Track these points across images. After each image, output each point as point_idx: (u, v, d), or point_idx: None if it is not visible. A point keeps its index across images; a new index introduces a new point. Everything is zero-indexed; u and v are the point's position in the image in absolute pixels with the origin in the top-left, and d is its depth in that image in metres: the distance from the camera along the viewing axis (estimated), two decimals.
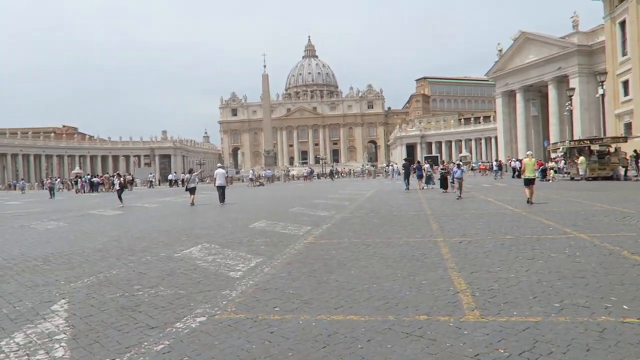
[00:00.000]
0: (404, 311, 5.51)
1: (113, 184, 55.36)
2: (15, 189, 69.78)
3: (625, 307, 5.34)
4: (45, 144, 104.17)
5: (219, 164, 33.27)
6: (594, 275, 6.83)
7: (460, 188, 22.28)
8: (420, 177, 32.61)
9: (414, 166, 35.43)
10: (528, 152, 21.00)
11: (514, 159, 53.41)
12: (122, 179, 28.89)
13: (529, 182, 18.44)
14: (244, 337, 4.86)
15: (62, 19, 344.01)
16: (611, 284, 6.30)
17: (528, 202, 18.00)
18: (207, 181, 70.85)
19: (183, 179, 71.91)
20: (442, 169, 30.37)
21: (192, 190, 25.11)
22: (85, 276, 8.02)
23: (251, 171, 68.92)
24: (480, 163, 75.11)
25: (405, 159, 39.02)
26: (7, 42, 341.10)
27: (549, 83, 63.00)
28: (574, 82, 57.16)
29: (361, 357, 4.25)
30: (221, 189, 25.67)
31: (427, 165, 35.34)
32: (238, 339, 4.82)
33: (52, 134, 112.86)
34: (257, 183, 59.58)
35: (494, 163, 52.47)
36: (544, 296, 5.87)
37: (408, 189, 30.52)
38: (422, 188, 30.77)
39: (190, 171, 29.35)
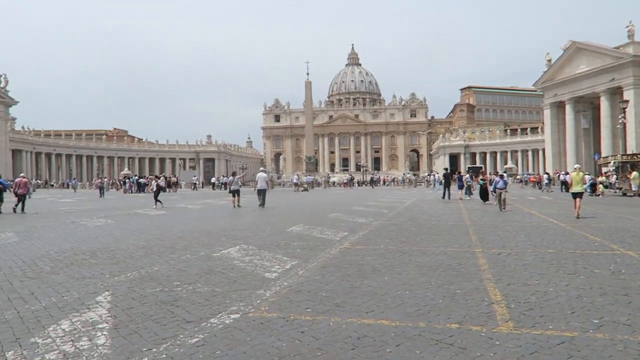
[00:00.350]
0: (436, 319, 5.48)
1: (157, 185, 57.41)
2: (68, 188, 73.30)
3: None
4: (97, 146, 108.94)
5: (261, 168, 33.95)
6: (638, 293, 6.55)
7: (502, 200, 21.41)
8: (460, 187, 32.46)
9: (455, 176, 35.09)
10: (576, 166, 20.55)
11: (562, 172, 51.51)
12: (159, 181, 28.70)
13: (577, 196, 18.18)
14: (275, 335, 4.97)
15: (116, 25, 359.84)
16: None
17: (577, 216, 17.64)
18: (250, 185, 72.04)
19: (225, 182, 73.89)
20: (481, 180, 28.89)
21: (235, 193, 25.71)
22: (129, 271, 8.38)
23: (296, 176, 69.33)
24: (531, 175, 72.38)
25: (445, 169, 38.84)
26: (64, 47, 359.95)
27: (601, 94, 60.52)
28: (628, 94, 54.66)
29: None
30: (262, 193, 25.91)
31: (467, 176, 34.75)
32: (269, 336, 4.93)
33: (104, 136, 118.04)
34: (302, 188, 59.79)
35: (545, 175, 50.68)
36: (582, 312, 5.69)
37: (449, 198, 30.47)
38: (461, 198, 30.56)
39: (234, 174, 29.91)
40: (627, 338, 4.79)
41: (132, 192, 54.78)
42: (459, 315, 5.58)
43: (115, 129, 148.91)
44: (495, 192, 22.59)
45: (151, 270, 8.45)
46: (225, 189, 69.66)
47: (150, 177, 65.30)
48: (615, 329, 5.06)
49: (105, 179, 64.44)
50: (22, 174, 27.60)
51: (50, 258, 9.74)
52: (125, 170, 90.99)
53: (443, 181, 33.91)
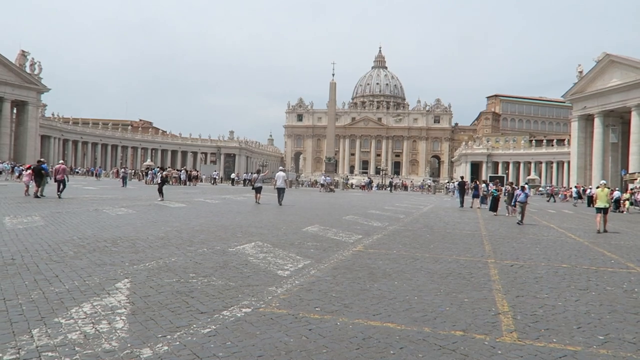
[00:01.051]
0: (441, 325, 5.60)
1: (178, 178, 58.45)
2: (92, 175, 74.91)
3: None
4: (123, 136, 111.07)
5: (280, 167, 34.63)
6: None
7: (522, 213, 20.56)
8: (475, 196, 32.73)
9: (472, 185, 35.19)
10: (602, 182, 20.50)
11: (589, 188, 50.63)
12: (164, 173, 28.61)
13: (601, 212, 18.36)
14: (283, 330, 5.16)
15: (145, 19, 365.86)
16: None
17: (598, 232, 17.93)
18: (269, 182, 72.71)
19: (245, 179, 74.97)
20: (494, 190, 27.32)
21: (258, 190, 26.45)
22: (147, 260, 8.68)
23: (323, 177, 69.66)
24: (563, 188, 70.26)
25: (461, 177, 39.30)
26: (96, 38, 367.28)
27: (633, 109, 59.19)
28: None
29: None
30: (281, 191, 26.52)
31: (483, 185, 34.52)
32: (278, 331, 5.12)
33: (130, 127, 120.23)
34: (329, 189, 59.95)
35: (574, 189, 49.96)
36: (589, 327, 5.74)
37: (462, 207, 31.24)
38: (472, 207, 31.54)
39: (258, 171, 30.48)
40: (631, 355, 4.84)
41: (153, 184, 55.75)
42: (464, 323, 5.68)
43: (140, 120, 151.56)
44: (515, 205, 21.59)
45: (169, 261, 8.74)
46: (245, 185, 71.08)
47: (168, 169, 66.38)
48: (619, 346, 5.11)
49: (128, 169, 65.68)
50: (60, 161, 28.94)
51: (73, 243, 10.13)
52: (148, 162, 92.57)
53: (458, 189, 34.48)
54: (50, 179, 27.71)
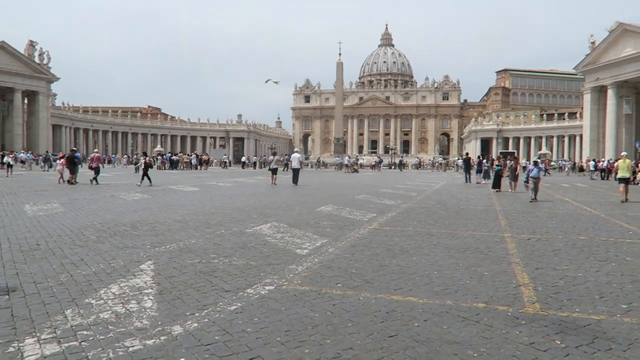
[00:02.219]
0: (463, 298, 5.65)
1: (190, 162, 58.85)
2: (105, 162, 75.58)
3: None
4: (132, 123, 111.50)
5: (295, 149, 35.97)
6: None
7: (535, 189, 19.19)
8: (479, 171, 33.49)
9: (476, 161, 35.82)
10: (623, 153, 21.53)
11: (601, 161, 50.19)
12: (147, 158, 28.67)
13: (623, 181, 19.56)
14: (308, 306, 5.25)
15: (151, 8, 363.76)
16: None
17: (622, 201, 19.09)
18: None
19: (255, 162, 75.62)
20: (497, 166, 26.05)
21: (274, 171, 28.22)
22: (168, 243, 8.82)
23: (347, 157, 70.27)
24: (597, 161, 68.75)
25: (466, 153, 40.02)
26: (104, 27, 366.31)
27: None
28: None
29: (417, 333, 4.49)
30: (296, 172, 28.07)
31: (484, 161, 34.72)
32: (302, 307, 5.21)
33: (139, 114, 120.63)
34: (352, 169, 60.07)
35: (591, 163, 49.61)
36: (611, 297, 5.76)
37: (468, 182, 32.79)
38: (479, 182, 32.12)
39: (274, 154, 31.82)
40: None
41: (165, 169, 56.16)
42: (485, 296, 5.74)
43: (149, 106, 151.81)
44: (528, 181, 19.80)
45: (189, 243, 8.87)
46: (255, 168, 71.58)
47: (179, 154, 66.65)
48: None
49: (141, 156, 66.11)
50: (95, 150, 31.19)
51: (94, 228, 10.30)
52: (159, 147, 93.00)
53: (463, 166, 35.96)
54: (82, 167, 29.04)
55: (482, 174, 32.56)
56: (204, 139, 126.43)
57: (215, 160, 79.29)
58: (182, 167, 57.71)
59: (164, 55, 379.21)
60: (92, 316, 4.77)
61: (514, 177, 24.41)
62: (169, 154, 65.45)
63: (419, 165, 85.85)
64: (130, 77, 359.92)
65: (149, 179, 25.47)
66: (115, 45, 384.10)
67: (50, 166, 44.69)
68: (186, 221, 11.74)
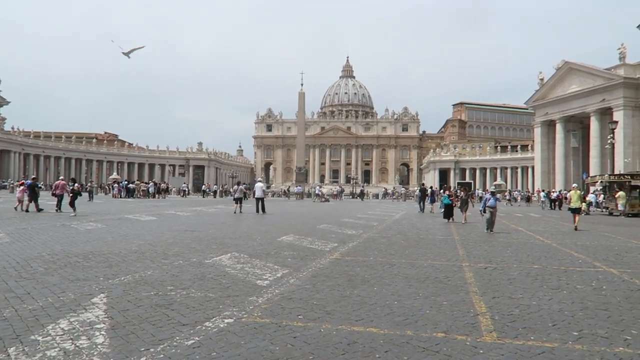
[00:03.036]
0: (423, 327, 5.69)
1: (147, 190, 57.36)
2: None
3: None
4: (87, 149, 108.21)
5: (258, 179, 37.09)
6: (617, 308, 6.82)
7: (492, 220, 18.46)
8: (432, 201, 35.42)
9: (428, 192, 37.48)
10: (574, 185, 23.30)
11: (554, 190, 52.68)
12: (75, 185, 28.42)
13: (575, 211, 21.09)
14: (268, 339, 5.15)
15: (109, 32, 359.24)
16: (634, 318, 6.30)
17: (575, 229, 20.34)
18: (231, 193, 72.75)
19: (215, 190, 74.72)
20: (446, 196, 25.29)
21: (238, 200, 28.55)
22: (122, 274, 8.49)
23: (317, 187, 71.49)
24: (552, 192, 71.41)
25: (422, 184, 41.61)
26: (57, 50, 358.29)
27: (592, 115, 61.65)
28: (617, 115, 55.73)
29: None
30: (260, 201, 28.85)
31: (441, 191, 36.08)
32: (262, 340, 5.10)
33: (94, 140, 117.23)
34: (323, 199, 61.39)
35: (542, 193, 51.87)
36: (563, 324, 5.94)
37: (422, 212, 33.76)
38: (432, 211, 33.17)
39: (239, 183, 32.48)
40: (604, 350, 5.03)
41: (121, 197, 54.52)
42: (445, 325, 5.80)
43: (106, 132, 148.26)
44: (484, 211, 19.04)
45: (144, 274, 8.57)
46: (215, 196, 70.57)
47: (136, 182, 64.96)
48: (593, 341, 5.30)
49: (93, 184, 64.08)
50: (61, 177, 31.78)
51: (43, 260, 9.82)
52: (114, 175, 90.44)
53: (419, 195, 37.63)
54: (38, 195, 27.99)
55: (436, 203, 33.83)
56: (162, 166, 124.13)
57: (174, 189, 77.73)
58: (139, 196, 56.23)
59: (122, 81, 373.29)
60: (38, 354, 4.49)
61: (465, 208, 24.29)
62: (126, 182, 63.71)
63: (385, 195, 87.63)
64: (86, 102, 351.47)
65: (73, 207, 24.03)
66: (70, 70, 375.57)
67: None
68: (142, 252, 11.37)
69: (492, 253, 12.64)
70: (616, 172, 46.37)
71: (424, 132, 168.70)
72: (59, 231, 15.72)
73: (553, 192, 51.90)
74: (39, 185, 27.12)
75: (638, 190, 35.89)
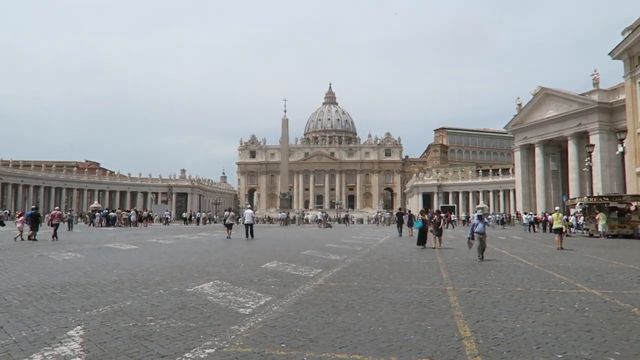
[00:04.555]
0: (407, 353, 5.62)
1: (128, 219, 56.46)
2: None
3: None
4: (67, 178, 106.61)
5: (248, 205, 39.90)
6: (600, 329, 6.84)
7: (482, 247, 16.86)
8: (410, 225, 35.76)
9: (406, 215, 38.02)
10: (556, 208, 25.52)
11: (530, 214, 53.34)
12: (36, 210, 29.66)
13: (558, 231, 22.78)
14: None
15: (90, 60, 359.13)
16: (617, 339, 6.32)
17: (558, 249, 21.76)
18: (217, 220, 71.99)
19: (199, 218, 73.99)
20: (419, 221, 23.62)
21: (229, 226, 30.50)
22: (100, 305, 8.27)
23: (319, 213, 72.83)
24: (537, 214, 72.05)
25: (399, 209, 42.64)
26: (38, 78, 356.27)
27: (569, 138, 63.06)
28: (594, 139, 57.11)
29: None
30: (249, 227, 30.34)
31: (418, 215, 36.58)
32: None
33: (75, 169, 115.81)
34: (325, 225, 61.65)
35: (526, 216, 52.47)
36: (547, 347, 5.93)
37: (401, 235, 34.13)
38: (411, 235, 32.85)
39: (229, 210, 34.59)
40: None
41: (101, 226, 53.57)
42: (429, 351, 5.74)
43: (87, 161, 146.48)
44: (472, 238, 17.15)
45: (123, 305, 8.36)
46: (198, 224, 69.85)
47: (118, 211, 64.03)
48: None
49: (72, 213, 62.96)
50: (56, 207, 34.33)
51: (18, 292, 9.52)
52: (95, 204, 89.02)
53: (397, 220, 38.40)
54: (41, 225, 30.48)
55: (413, 227, 33.97)
56: (145, 194, 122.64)
57: (157, 216, 76.69)
58: (120, 224, 55.33)
59: (103, 109, 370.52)
60: None
61: (439, 232, 22.87)
62: (106, 210, 62.70)
63: (376, 219, 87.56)
64: (67, 131, 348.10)
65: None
66: (50, 99, 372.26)
67: None
68: (122, 281, 11.11)
69: (475, 276, 12.65)
70: (595, 194, 47.22)
71: (406, 156, 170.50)
72: (35, 262, 15.32)
73: (530, 214, 52.73)
74: (40, 215, 28.77)
75: (617, 212, 36.56)
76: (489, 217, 69.20)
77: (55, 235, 26.80)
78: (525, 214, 55.58)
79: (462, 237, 32.56)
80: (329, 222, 65.63)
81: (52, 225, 27.74)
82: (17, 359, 5.24)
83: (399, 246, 24.22)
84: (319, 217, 66.21)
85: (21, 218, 27.99)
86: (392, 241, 28.71)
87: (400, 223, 36.63)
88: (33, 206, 34.19)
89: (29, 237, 25.65)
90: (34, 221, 26.83)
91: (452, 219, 66.15)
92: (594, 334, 6.61)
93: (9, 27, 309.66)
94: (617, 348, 5.89)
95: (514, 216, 73.16)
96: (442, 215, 25.94)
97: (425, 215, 24.53)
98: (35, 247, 21.25)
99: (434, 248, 21.76)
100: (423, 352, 5.66)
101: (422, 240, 22.81)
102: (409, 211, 42.22)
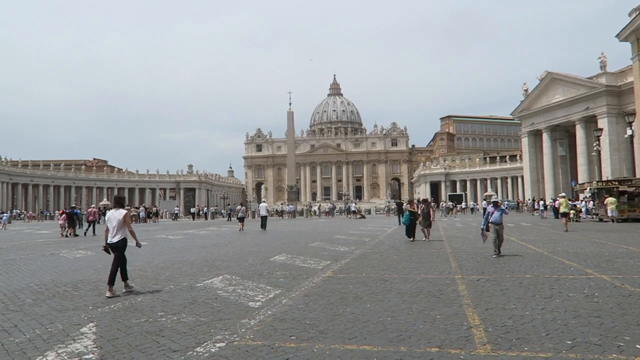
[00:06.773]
0: (417, 343, 5.65)
1: (137, 215, 56.82)
2: (46, 218, 71.87)
3: (638, 346, 5.37)
4: (76, 176, 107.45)
5: (263, 199, 43.10)
6: (610, 315, 6.83)
7: (499, 239, 14.34)
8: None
9: (406, 205, 38.28)
10: (563, 194, 28.40)
11: (540, 200, 53.22)
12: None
13: (564, 215, 25.65)
14: None
15: (93, 57, 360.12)
16: (627, 324, 6.30)
17: (565, 230, 24.14)
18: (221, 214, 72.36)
19: (206, 212, 74.47)
20: (408, 212, 21.47)
21: (241, 219, 33.57)
22: (112, 302, 8.37)
23: (353, 204, 73.16)
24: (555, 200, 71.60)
25: (399, 199, 43.51)
26: (46, 77, 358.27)
27: (577, 123, 62.44)
28: (602, 123, 56.50)
29: None
30: (264, 219, 33.69)
31: (407, 206, 36.74)
32: None
33: (83, 167, 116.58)
34: (359, 215, 62.26)
35: (541, 202, 52.46)
36: (557, 334, 5.93)
37: (400, 224, 33.81)
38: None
39: (242, 204, 39.00)
40: (598, 357, 5.03)
41: None
42: (438, 340, 5.76)
43: (95, 159, 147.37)
44: (487, 229, 14.68)
45: (134, 301, 8.46)
46: (206, 218, 70.26)
47: (127, 208, 64.45)
48: (587, 349, 5.29)
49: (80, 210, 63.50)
50: (93, 205, 36.87)
51: (31, 290, 9.66)
52: (104, 201, 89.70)
53: (397, 210, 40.24)
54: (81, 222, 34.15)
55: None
56: (153, 190, 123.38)
57: (166, 212, 77.18)
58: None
59: (109, 107, 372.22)
60: None
61: (428, 224, 20.96)
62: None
63: (379, 210, 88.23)
64: (75, 130, 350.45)
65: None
66: (56, 97, 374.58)
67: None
68: (132, 278, 11.20)
69: (484, 264, 12.64)
70: (604, 178, 46.81)
71: (413, 146, 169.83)
72: (47, 260, 15.50)
73: (541, 200, 52.60)
74: (77, 213, 31.73)
75: (626, 195, 36.24)
76: (505, 204, 68.53)
77: (93, 231, 29.72)
78: (542, 199, 55.64)
79: (471, 226, 32.51)
80: (363, 213, 66.25)
81: (89, 222, 30.68)
82: (32, 356, 5.34)
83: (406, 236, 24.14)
84: (352, 208, 66.58)
85: (63, 216, 30.27)
86: (400, 231, 28.69)
87: (400, 213, 38.03)
88: (72, 205, 39.91)
89: (70, 234, 28.53)
90: (70, 219, 29.37)
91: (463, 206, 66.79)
92: (604, 319, 6.60)
93: (9, 25, 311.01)
94: (626, 333, 5.88)
95: (528, 201, 72.53)
96: (432, 204, 24.82)
97: (415, 206, 22.16)
98: (55, 245, 21.48)
99: (424, 240, 20.23)
100: (432, 342, 5.68)
101: (410, 232, 20.91)
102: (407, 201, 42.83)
